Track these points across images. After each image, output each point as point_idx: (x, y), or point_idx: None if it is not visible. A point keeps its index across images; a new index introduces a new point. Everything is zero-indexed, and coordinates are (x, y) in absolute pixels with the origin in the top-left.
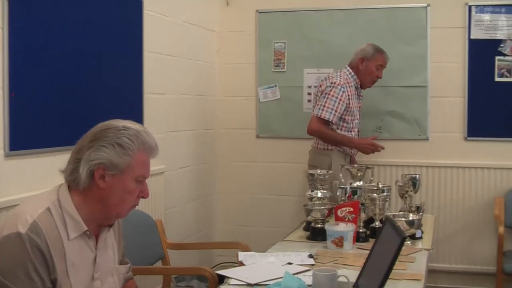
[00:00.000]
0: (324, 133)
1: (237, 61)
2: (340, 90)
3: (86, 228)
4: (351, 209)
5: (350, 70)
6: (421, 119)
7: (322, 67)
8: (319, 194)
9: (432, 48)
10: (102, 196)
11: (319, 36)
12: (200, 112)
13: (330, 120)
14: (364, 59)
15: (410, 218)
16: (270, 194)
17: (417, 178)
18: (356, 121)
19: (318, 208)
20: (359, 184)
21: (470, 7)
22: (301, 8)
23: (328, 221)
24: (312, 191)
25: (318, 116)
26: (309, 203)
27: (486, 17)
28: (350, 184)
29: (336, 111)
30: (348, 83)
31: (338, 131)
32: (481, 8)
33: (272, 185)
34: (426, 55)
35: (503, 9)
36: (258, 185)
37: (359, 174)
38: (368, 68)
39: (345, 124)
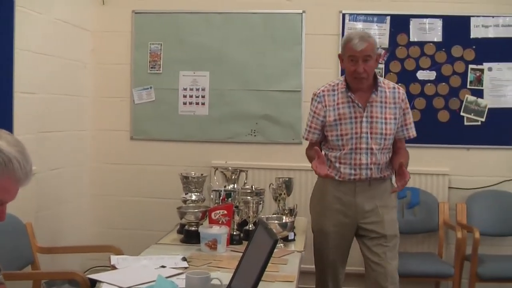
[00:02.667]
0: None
1: (112, 62)
2: (314, 101)
3: None
4: (225, 212)
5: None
6: (295, 123)
7: (198, 70)
8: (193, 197)
9: (307, 54)
10: None
11: (196, 39)
12: (73, 113)
13: (306, 139)
14: (340, 56)
15: (283, 221)
16: (144, 197)
17: (291, 181)
18: (349, 136)
19: (192, 210)
20: (233, 187)
21: (344, 15)
22: (178, 10)
23: (202, 224)
24: (186, 193)
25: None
26: (183, 205)
27: (359, 25)
28: (224, 187)
29: (310, 127)
30: (333, 90)
31: (329, 153)
32: (354, 17)
33: (146, 188)
34: (301, 60)
35: (375, 18)
36: (132, 188)
37: (233, 177)
38: (345, 65)
39: (329, 144)
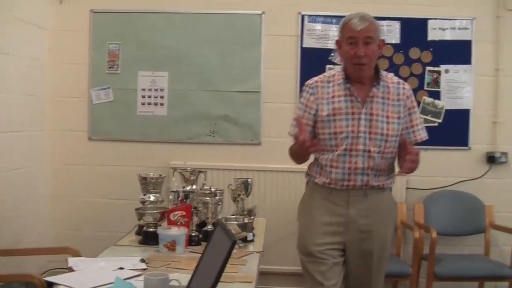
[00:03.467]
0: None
1: (70, 61)
2: (306, 92)
3: None
4: (184, 213)
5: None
6: (254, 124)
7: (157, 70)
8: (152, 198)
9: (266, 55)
10: None
11: (155, 39)
12: (30, 113)
13: (293, 136)
14: (338, 41)
15: (242, 222)
16: (102, 198)
17: (249, 182)
18: (344, 135)
19: (151, 212)
20: (191, 188)
21: (303, 16)
22: (137, 10)
23: (160, 225)
24: (144, 194)
25: None
26: (142, 206)
27: (318, 26)
28: (183, 187)
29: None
30: (328, 81)
31: (320, 155)
32: (313, 18)
33: (105, 189)
34: (260, 61)
35: (334, 20)
36: (91, 189)
37: (192, 178)
38: (344, 50)
39: (320, 144)
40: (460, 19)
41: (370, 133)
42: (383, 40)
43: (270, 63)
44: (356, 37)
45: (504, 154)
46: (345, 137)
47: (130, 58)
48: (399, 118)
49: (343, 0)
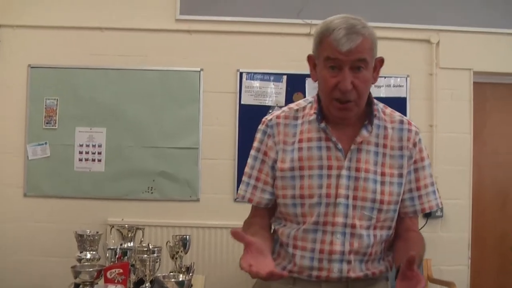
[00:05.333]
0: None
1: (6, 116)
2: (261, 134)
3: None
4: (121, 271)
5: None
6: (192, 180)
7: (95, 126)
8: (88, 256)
9: (204, 111)
10: None
11: (93, 95)
12: None
13: (249, 200)
14: (311, 58)
15: (180, 279)
16: (36, 256)
17: (188, 238)
18: (315, 200)
19: (87, 270)
20: (129, 245)
21: (241, 73)
22: (74, 66)
23: (97, 283)
24: (81, 252)
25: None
26: (78, 264)
27: (256, 84)
28: (121, 245)
29: (257, 178)
30: (295, 116)
31: (280, 228)
32: (252, 75)
33: (40, 246)
34: (199, 117)
35: (272, 77)
36: (26, 246)
37: (129, 235)
38: (319, 74)
39: (280, 212)
40: (395, 77)
41: (355, 198)
42: (380, 59)
43: (209, 119)
44: (341, 61)
45: (440, 208)
46: (317, 204)
47: (68, 114)
48: (400, 176)
49: (279, 59)
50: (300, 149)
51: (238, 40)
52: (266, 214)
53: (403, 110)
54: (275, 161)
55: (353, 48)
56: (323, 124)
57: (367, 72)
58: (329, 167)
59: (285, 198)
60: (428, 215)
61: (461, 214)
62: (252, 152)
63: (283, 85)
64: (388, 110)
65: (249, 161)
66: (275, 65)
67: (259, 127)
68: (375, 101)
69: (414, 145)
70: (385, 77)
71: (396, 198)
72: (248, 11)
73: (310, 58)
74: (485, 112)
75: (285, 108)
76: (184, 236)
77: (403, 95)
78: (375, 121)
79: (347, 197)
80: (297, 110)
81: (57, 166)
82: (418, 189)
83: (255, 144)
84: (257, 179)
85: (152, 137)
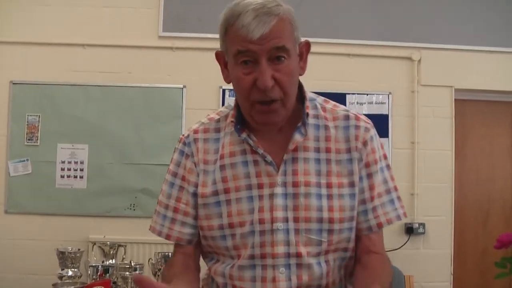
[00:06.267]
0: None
1: None
2: (178, 154)
3: None
4: None
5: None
6: None
7: (77, 143)
8: (70, 273)
9: (187, 128)
10: None
11: (75, 111)
12: None
13: (167, 237)
14: (220, 55)
15: None
16: (17, 273)
17: (170, 255)
18: (247, 229)
19: (69, 287)
20: (111, 262)
21: (223, 90)
22: (57, 82)
23: None
24: (62, 269)
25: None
26: (59, 282)
27: None
28: (102, 262)
29: (175, 209)
30: (216, 129)
31: (212, 266)
32: (234, 92)
33: (21, 264)
34: (180, 134)
35: None
36: (6, 264)
37: (111, 252)
38: (232, 75)
39: (208, 246)
40: (377, 94)
41: (296, 220)
42: (306, 43)
43: None
44: (254, 52)
45: (422, 224)
46: (250, 233)
47: (50, 130)
48: (352, 185)
49: None
50: (222, 167)
51: None
52: (191, 251)
53: (385, 127)
54: (196, 186)
55: (266, 33)
56: (244, 135)
57: (290, 62)
58: (260, 186)
59: (212, 229)
60: (410, 232)
61: (443, 230)
62: (168, 177)
63: None
64: (330, 105)
65: (164, 188)
66: None
67: (176, 145)
68: (310, 95)
69: (365, 144)
70: (367, 94)
71: (350, 213)
72: None
73: (218, 56)
74: (466, 129)
75: (204, 120)
76: (167, 253)
77: (385, 112)
78: (313, 121)
79: (286, 220)
80: (218, 121)
81: (39, 182)
82: (371, 199)
83: (171, 167)
84: (175, 210)
85: (135, 154)
